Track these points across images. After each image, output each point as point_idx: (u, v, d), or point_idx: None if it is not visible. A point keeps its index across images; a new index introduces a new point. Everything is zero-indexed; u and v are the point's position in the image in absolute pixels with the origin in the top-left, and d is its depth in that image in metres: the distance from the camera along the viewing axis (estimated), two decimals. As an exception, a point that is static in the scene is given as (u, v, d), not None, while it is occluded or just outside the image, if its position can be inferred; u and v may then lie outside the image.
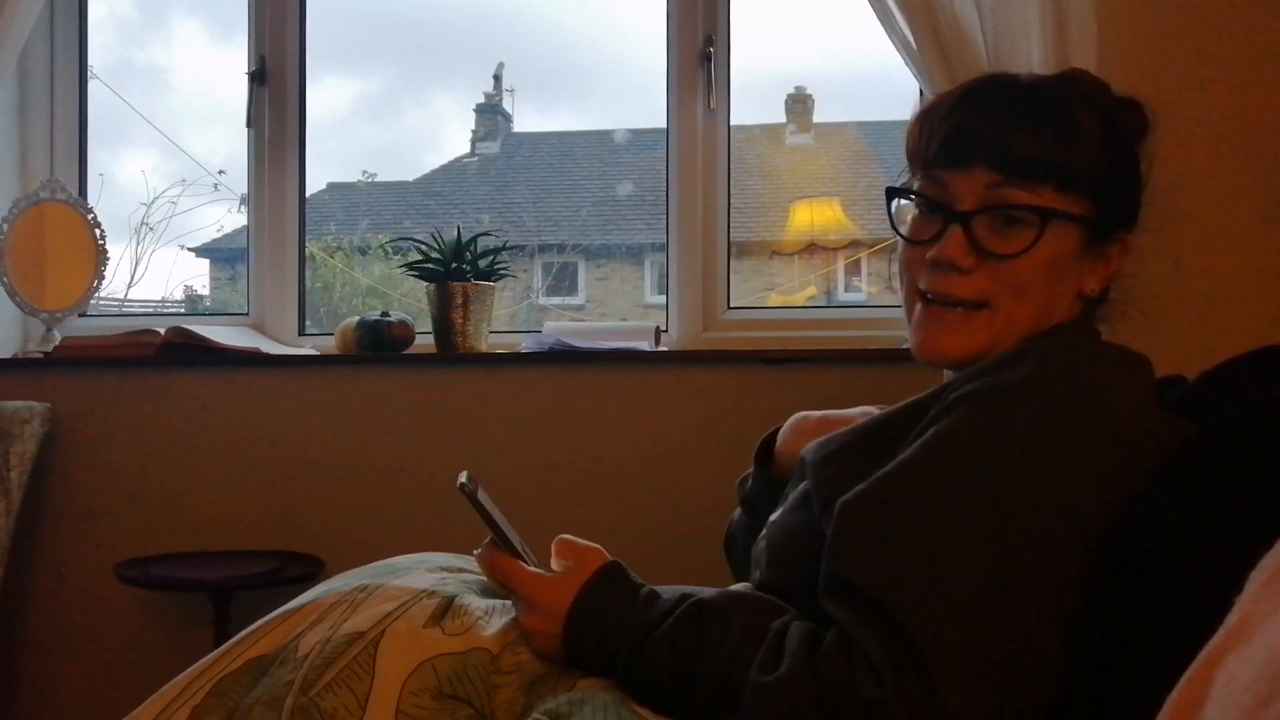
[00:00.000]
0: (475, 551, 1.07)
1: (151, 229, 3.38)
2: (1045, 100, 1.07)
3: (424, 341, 2.46)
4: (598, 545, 1.05)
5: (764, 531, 1.14)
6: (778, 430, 1.32)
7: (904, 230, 1.11)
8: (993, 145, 1.04)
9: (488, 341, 2.44)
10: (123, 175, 2.97)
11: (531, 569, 1.03)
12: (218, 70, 4.05)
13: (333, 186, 4.27)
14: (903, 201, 1.13)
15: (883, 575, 0.87)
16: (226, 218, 3.38)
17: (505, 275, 2.50)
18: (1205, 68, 2.13)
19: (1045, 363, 0.97)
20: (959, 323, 1.06)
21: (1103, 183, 1.06)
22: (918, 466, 0.93)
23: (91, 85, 2.72)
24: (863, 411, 1.26)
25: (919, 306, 1.09)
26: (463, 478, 1.00)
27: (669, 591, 0.99)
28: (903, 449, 0.96)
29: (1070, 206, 1.04)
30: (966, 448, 0.92)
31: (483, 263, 2.43)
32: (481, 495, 1.01)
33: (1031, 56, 1.91)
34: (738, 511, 1.38)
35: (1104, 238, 1.08)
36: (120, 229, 3.13)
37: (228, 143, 3.32)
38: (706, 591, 1.00)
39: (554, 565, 1.05)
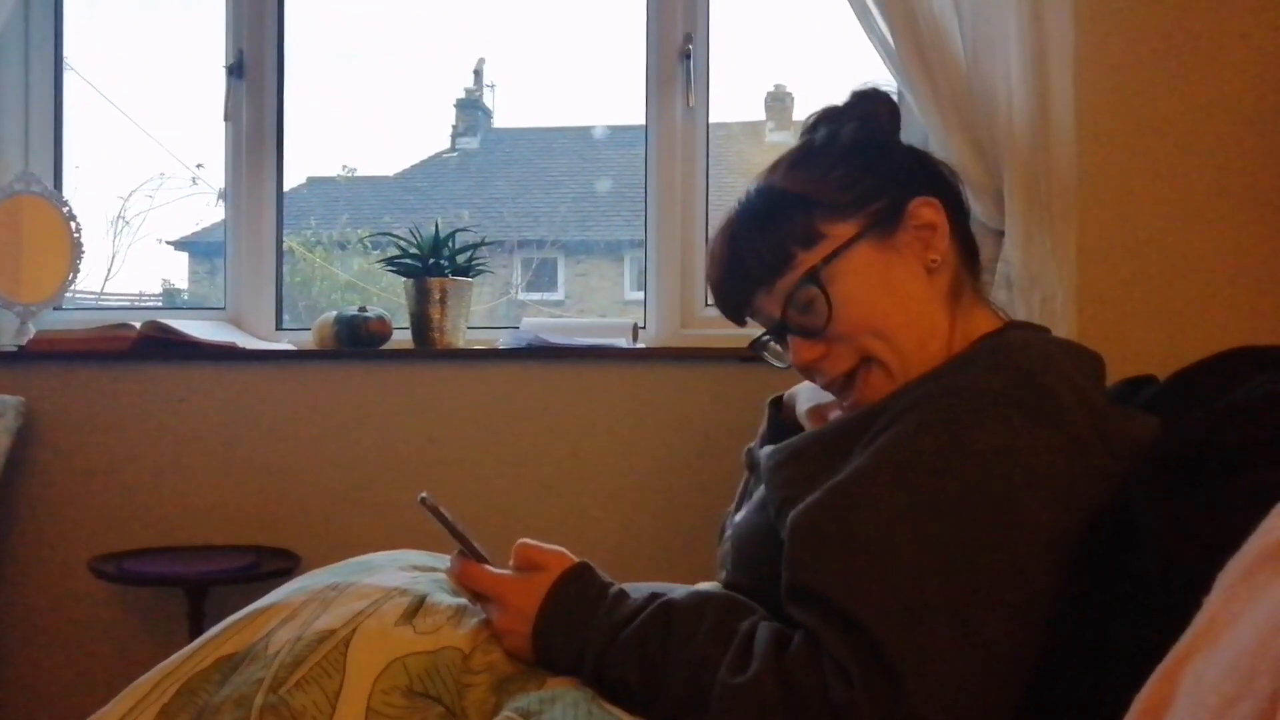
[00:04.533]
0: (446, 568, 1.08)
1: (128, 223, 3.35)
2: (746, 207, 1.14)
3: (402, 337, 2.46)
4: (561, 548, 1.05)
5: (729, 531, 1.14)
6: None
7: (782, 363, 1.18)
8: (739, 274, 1.13)
9: (465, 337, 2.44)
10: (93, 168, 2.94)
11: (501, 572, 1.03)
12: (178, 64, 4.02)
13: (312, 181, 4.24)
14: (770, 346, 1.21)
15: (844, 581, 0.87)
16: (205, 211, 3.36)
17: (483, 271, 2.50)
18: (1182, 69, 2.14)
19: (994, 365, 0.99)
20: (864, 384, 1.09)
21: (850, 194, 1.09)
22: (872, 473, 0.93)
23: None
24: None
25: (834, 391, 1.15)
26: (424, 494, 1.02)
27: (638, 590, 1.00)
28: (855, 456, 0.97)
29: (831, 243, 1.08)
30: (919, 452, 0.93)
31: (461, 258, 2.43)
32: (443, 508, 1.03)
33: (1010, 60, 1.91)
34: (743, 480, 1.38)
35: (894, 222, 1.09)
36: (96, 222, 3.10)
37: (192, 137, 3.29)
38: (676, 591, 1.00)
39: (512, 569, 1.05)
